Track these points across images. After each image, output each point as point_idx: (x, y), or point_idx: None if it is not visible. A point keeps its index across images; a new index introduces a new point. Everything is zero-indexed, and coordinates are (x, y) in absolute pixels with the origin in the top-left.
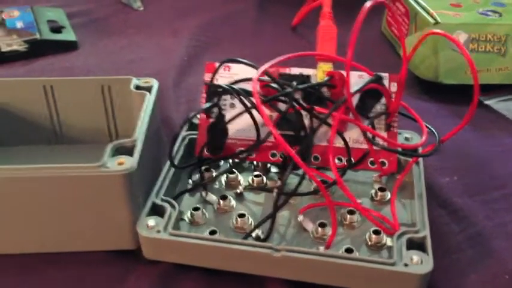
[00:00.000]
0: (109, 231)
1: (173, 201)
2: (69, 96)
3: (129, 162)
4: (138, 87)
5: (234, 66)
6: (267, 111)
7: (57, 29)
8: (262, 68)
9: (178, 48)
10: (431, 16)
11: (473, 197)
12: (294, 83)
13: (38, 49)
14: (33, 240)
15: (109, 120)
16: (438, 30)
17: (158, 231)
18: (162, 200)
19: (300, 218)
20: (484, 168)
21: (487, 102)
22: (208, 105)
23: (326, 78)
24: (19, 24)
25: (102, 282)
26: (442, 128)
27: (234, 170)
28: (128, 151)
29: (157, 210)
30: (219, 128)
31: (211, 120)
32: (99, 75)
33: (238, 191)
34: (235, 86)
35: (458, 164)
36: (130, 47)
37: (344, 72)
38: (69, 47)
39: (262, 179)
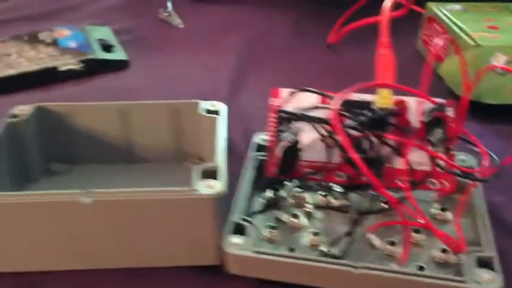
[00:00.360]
0: (195, 248)
1: (252, 220)
2: (142, 118)
3: (218, 186)
4: (206, 111)
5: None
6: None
7: (107, 47)
8: (339, 98)
9: (224, 67)
10: (471, 38)
11: None
12: (368, 113)
13: (92, 68)
14: (124, 256)
15: (177, 141)
16: (498, 64)
17: (243, 249)
18: (242, 219)
19: (369, 235)
20: None
21: None
22: (289, 135)
23: (393, 107)
24: (72, 44)
25: None
26: (489, 148)
27: (303, 190)
28: (212, 174)
29: (237, 229)
30: (293, 151)
31: (284, 143)
32: (154, 94)
33: (308, 210)
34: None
35: (509, 183)
36: (177, 65)
37: (406, 99)
38: (120, 65)
39: (329, 198)
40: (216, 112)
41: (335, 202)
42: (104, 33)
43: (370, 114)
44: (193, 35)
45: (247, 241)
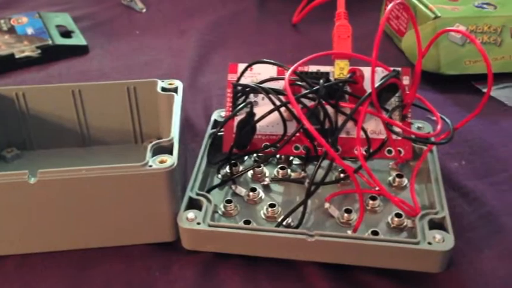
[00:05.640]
0: (151, 225)
1: (208, 195)
2: (97, 99)
3: (170, 160)
4: (163, 89)
5: (256, 66)
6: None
7: (66, 33)
8: (292, 67)
9: (187, 49)
10: (431, 10)
11: (481, 180)
12: (322, 81)
13: (51, 54)
14: (80, 237)
15: (134, 122)
16: (453, 28)
17: (198, 223)
18: (198, 194)
19: (326, 205)
20: (489, 152)
21: (485, 90)
22: (242, 104)
23: (348, 75)
24: (29, 31)
25: (148, 272)
26: (448, 116)
27: (261, 164)
28: (166, 150)
29: (193, 204)
30: (249, 125)
31: (239, 118)
32: (115, 78)
33: (265, 183)
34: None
35: (465, 149)
36: (140, 49)
37: (363, 69)
38: (80, 51)
39: (287, 171)
40: (173, 90)
41: (293, 174)
42: (63, 19)
43: (323, 83)
44: (157, 19)
45: (203, 216)
